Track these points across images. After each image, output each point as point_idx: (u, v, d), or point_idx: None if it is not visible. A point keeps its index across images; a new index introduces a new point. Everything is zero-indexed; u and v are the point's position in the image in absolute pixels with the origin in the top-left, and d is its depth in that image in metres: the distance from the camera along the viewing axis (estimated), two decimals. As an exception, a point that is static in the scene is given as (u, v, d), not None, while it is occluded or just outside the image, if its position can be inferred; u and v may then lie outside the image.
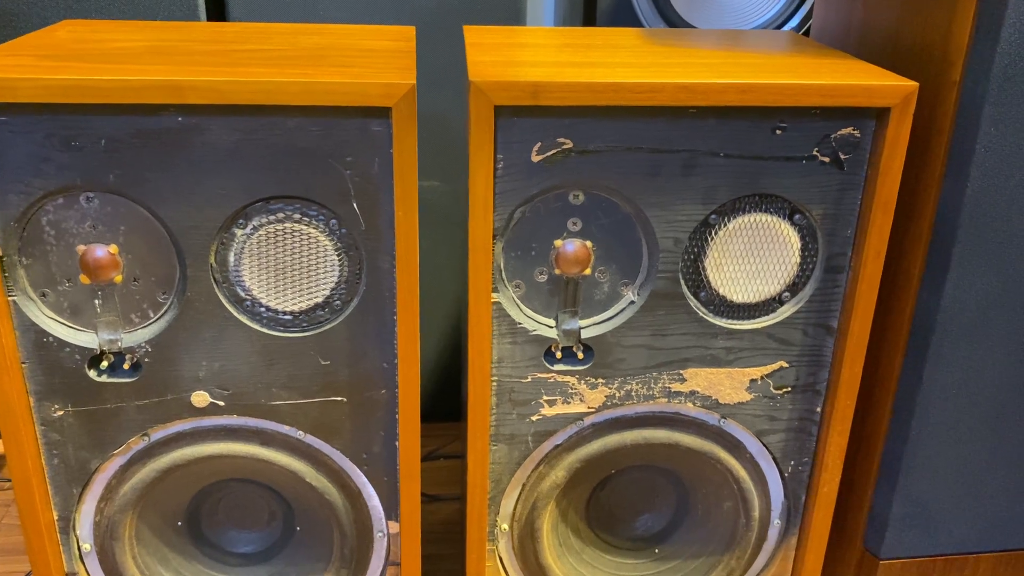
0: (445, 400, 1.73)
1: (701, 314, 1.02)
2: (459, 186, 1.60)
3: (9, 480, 1.53)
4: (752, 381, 1.06)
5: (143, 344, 0.97)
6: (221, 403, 1.01)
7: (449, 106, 1.51)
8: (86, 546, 1.07)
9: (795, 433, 1.10)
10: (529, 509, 1.11)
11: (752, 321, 1.04)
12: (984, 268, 1.06)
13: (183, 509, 1.12)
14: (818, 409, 1.08)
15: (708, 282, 1.01)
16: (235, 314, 0.97)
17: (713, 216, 0.98)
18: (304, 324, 0.99)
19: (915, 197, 1.08)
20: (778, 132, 0.94)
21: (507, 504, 1.12)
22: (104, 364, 0.98)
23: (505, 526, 1.13)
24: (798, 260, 1.01)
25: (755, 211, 0.98)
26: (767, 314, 1.03)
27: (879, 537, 1.23)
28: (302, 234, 0.94)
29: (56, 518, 1.05)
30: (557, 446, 1.09)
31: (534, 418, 1.06)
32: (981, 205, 1.03)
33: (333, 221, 0.94)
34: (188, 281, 0.95)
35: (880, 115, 0.94)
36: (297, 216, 0.94)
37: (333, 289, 0.97)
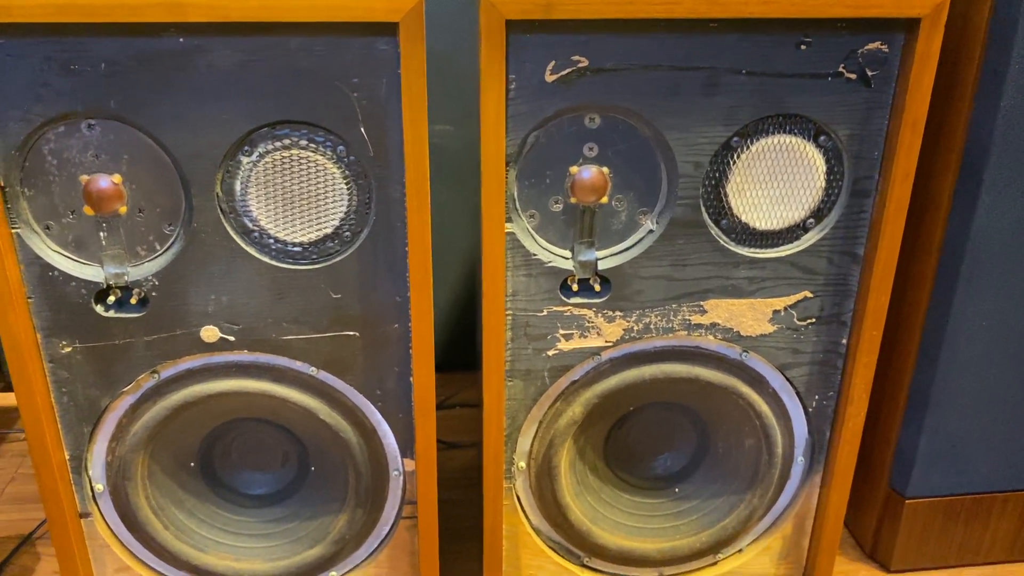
0: (460, 350, 1.71)
1: (722, 243, 0.99)
2: (471, 131, 1.56)
3: (23, 431, 1.53)
4: (775, 312, 1.03)
5: (150, 278, 0.95)
6: (231, 338, 0.99)
7: (459, 46, 1.48)
8: (99, 487, 1.06)
9: (819, 366, 1.07)
10: (546, 447, 1.09)
11: (775, 249, 1.00)
12: (1017, 192, 1.02)
13: (196, 449, 1.10)
14: (843, 341, 1.05)
15: (730, 209, 0.98)
16: (243, 246, 0.95)
17: (735, 138, 0.94)
18: (314, 256, 0.96)
19: (945, 116, 1.03)
20: (802, 47, 0.90)
21: (523, 442, 1.10)
22: (111, 299, 0.96)
23: (522, 464, 1.11)
24: (823, 184, 0.97)
25: (779, 132, 0.94)
26: (791, 242, 1.00)
27: (905, 475, 1.20)
28: (309, 161, 0.92)
29: (68, 458, 1.04)
30: (574, 382, 1.06)
31: (550, 353, 1.04)
32: (1015, 125, 0.99)
33: (341, 147, 0.91)
34: (194, 212, 0.93)
35: (909, 27, 0.90)
36: (304, 142, 0.91)
37: (342, 219, 0.95)
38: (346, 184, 0.93)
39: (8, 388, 1.70)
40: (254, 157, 0.91)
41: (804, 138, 0.95)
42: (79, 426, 1.02)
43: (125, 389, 1.01)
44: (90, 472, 1.06)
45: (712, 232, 0.98)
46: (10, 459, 1.50)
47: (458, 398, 1.63)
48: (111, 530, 1.09)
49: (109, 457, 1.05)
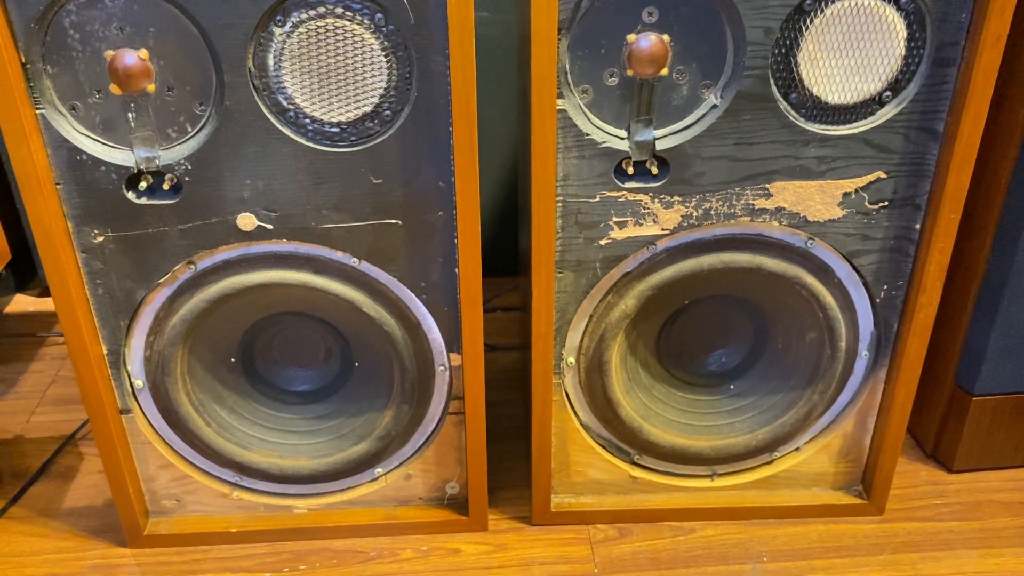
0: (500, 253, 1.65)
1: (791, 118, 0.92)
2: (508, 16, 1.48)
3: (61, 335, 1.51)
4: (845, 195, 0.96)
5: (182, 161, 0.90)
6: (269, 226, 0.94)
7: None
8: (138, 382, 1.04)
9: (890, 253, 1.00)
10: (597, 341, 1.04)
11: (848, 126, 0.93)
12: (1117, 61, 0.93)
13: (236, 345, 1.07)
14: (917, 226, 0.98)
15: (800, 80, 0.90)
16: (278, 126, 0.89)
17: (808, 1, 0.86)
18: (352, 138, 0.91)
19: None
20: None
21: (573, 336, 1.05)
22: (142, 185, 0.91)
23: (571, 359, 1.07)
24: (903, 52, 0.89)
25: (857, -7, 0.86)
26: (865, 117, 0.92)
27: (973, 372, 1.15)
28: (345, 31, 0.85)
29: (105, 352, 1.01)
30: (627, 274, 1.01)
31: (603, 242, 0.98)
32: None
33: (379, 15, 0.85)
34: (226, 89, 0.87)
35: None
36: (339, 10, 0.84)
37: (382, 96, 0.89)
38: (385, 56, 0.87)
39: (45, 292, 1.69)
40: (287, 28, 0.85)
41: (884, 0, 0.87)
42: (115, 319, 0.99)
43: (161, 280, 0.97)
44: (129, 368, 1.03)
45: (781, 107, 0.91)
46: (50, 362, 1.49)
47: (499, 301, 1.59)
48: (152, 427, 1.07)
49: (147, 352, 1.02)
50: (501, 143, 1.56)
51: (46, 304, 1.65)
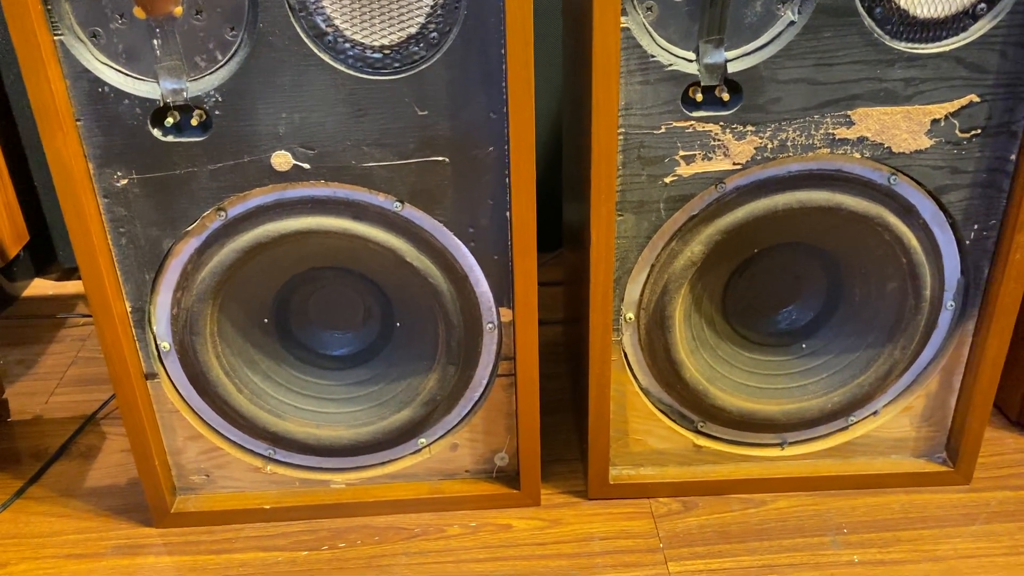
0: (541, 229, 1.58)
1: (876, 35, 0.83)
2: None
3: (81, 317, 1.44)
4: (934, 122, 0.88)
5: (212, 93, 0.83)
6: (306, 165, 0.87)
7: None
8: (164, 344, 0.96)
9: (982, 188, 0.91)
10: (659, 294, 0.96)
11: (938, 43, 0.84)
12: None
13: (269, 304, 0.99)
14: (1012, 156, 0.90)
15: (887, -10, 0.82)
16: (316, 52, 0.82)
17: (898, -102, 0.78)
18: (396, 64, 0.83)
19: None
20: None
21: (633, 290, 0.97)
22: (169, 121, 0.84)
23: (630, 315, 0.98)
24: (1002, -44, 0.81)
25: None
26: (957, 33, 0.84)
27: (1066, 326, 1.05)
28: (391, -59, 0.78)
29: (129, 310, 0.94)
30: (693, 216, 0.93)
31: (668, 180, 0.90)
32: None
33: (427, -78, 0.77)
34: (259, 11, 0.80)
35: None
36: (384, -83, 0.77)
37: (428, 16, 0.81)
38: (433, -30, 0.79)
39: (64, 277, 1.62)
40: (326, -62, 0.77)
41: None
42: (140, 273, 0.92)
43: (189, 229, 0.89)
44: (154, 328, 0.95)
45: (864, 22, 0.83)
46: (69, 343, 1.42)
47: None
48: (179, 394, 1.00)
49: (174, 310, 0.94)
50: (543, 94, 1.47)
51: (65, 288, 1.59)
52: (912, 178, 0.91)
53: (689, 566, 0.97)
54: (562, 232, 1.33)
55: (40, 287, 1.59)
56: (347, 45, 0.82)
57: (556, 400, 1.23)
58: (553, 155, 1.53)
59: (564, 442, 1.16)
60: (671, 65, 0.84)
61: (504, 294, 0.95)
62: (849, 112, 0.87)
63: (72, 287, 1.57)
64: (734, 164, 0.89)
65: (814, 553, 0.98)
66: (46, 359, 1.38)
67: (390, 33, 0.82)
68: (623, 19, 0.82)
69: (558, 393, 1.25)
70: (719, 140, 0.88)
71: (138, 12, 0.79)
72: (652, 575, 0.96)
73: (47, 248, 1.60)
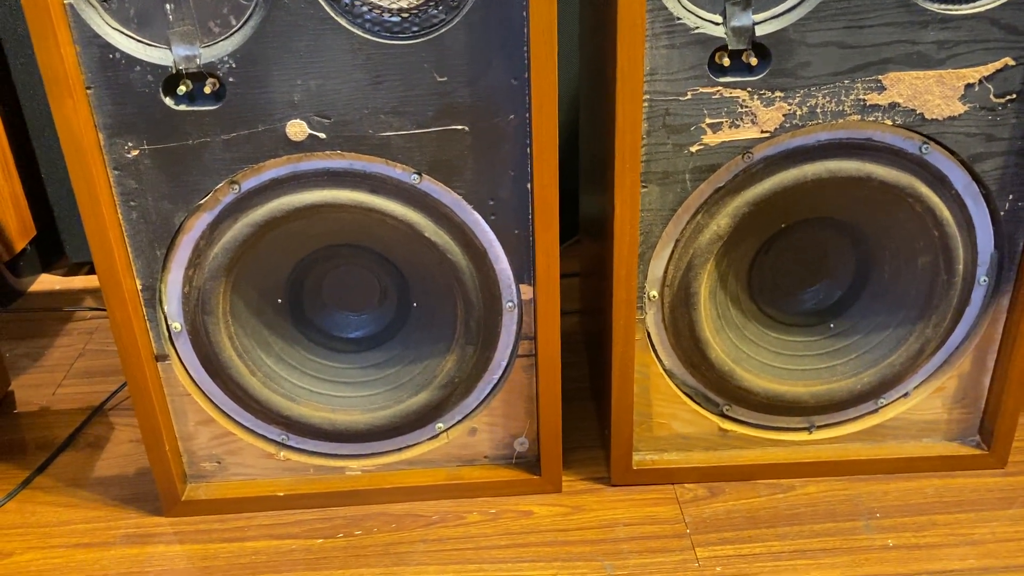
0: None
1: (908, -5, 0.81)
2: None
3: (88, 310, 1.42)
4: (968, 87, 0.85)
5: (225, 59, 0.81)
6: (321, 135, 0.84)
7: None
8: (176, 325, 0.94)
9: (1017, 157, 0.89)
10: (683, 271, 0.93)
11: (972, 4, 0.82)
12: None
13: (283, 284, 0.97)
14: (1050, 123, 0.87)
15: (920, -52, 0.80)
16: (333, 15, 0.80)
17: None
18: (415, 28, 0.81)
19: None
20: None
21: (656, 266, 0.94)
22: (182, 89, 0.82)
23: (654, 293, 0.96)
24: (1039, -88, 0.79)
25: None
26: (992, -7, 0.82)
27: (1102, 304, 1.02)
28: (410, -102, 0.76)
29: (140, 288, 0.91)
30: (719, 188, 0.90)
31: (694, 149, 0.88)
32: None
33: None
34: (274, -28, 0.78)
35: None
36: None
37: (449, -22, 0.79)
38: (454, -71, 0.77)
39: (71, 272, 1.60)
40: None
41: None
42: (151, 249, 0.89)
43: (201, 202, 0.87)
44: (165, 308, 0.93)
45: (897, -18, 0.81)
46: (77, 336, 1.39)
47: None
48: (191, 377, 0.97)
49: (186, 288, 0.92)
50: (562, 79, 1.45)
51: (72, 283, 1.56)
52: (945, 147, 0.88)
53: (718, 551, 0.94)
54: (579, 219, 1.30)
55: (47, 283, 1.57)
56: (364, 8, 0.80)
57: (574, 389, 1.20)
58: (567, 144, 1.50)
59: (583, 430, 1.13)
60: (697, 28, 0.82)
61: (524, 271, 0.93)
62: (880, 77, 0.84)
63: (79, 282, 1.55)
64: (762, 132, 0.87)
65: (847, 538, 0.95)
66: (53, 352, 1.36)
67: (409, -5, 0.79)
68: (648, -20, 0.80)
69: (576, 382, 1.22)
70: (747, 107, 0.85)
71: (150, -25, 0.77)
72: (680, 560, 0.93)
73: (54, 243, 1.58)
